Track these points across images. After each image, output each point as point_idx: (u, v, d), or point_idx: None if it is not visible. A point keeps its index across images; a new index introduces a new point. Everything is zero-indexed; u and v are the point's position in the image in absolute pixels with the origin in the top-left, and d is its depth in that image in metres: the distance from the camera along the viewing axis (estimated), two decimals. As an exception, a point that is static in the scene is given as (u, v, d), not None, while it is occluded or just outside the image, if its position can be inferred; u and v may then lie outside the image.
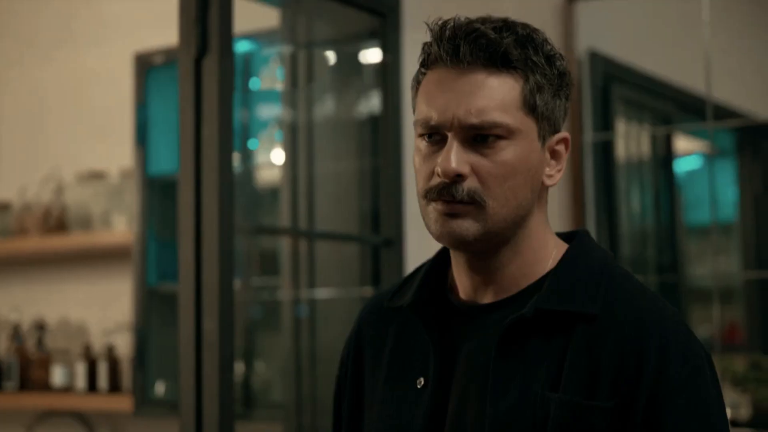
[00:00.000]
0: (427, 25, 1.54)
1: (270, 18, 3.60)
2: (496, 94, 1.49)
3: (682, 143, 4.19)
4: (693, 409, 1.46)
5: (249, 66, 3.93)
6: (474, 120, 1.49)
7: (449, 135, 1.50)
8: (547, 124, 1.54)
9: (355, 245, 3.36)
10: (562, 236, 1.63)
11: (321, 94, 3.56)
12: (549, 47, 1.55)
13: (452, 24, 1.51)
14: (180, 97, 2.58)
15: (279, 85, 3.75)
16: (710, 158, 4.45)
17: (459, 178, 1.49)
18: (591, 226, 3.37)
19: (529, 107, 1.52)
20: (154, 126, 4.19)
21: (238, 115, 3.85)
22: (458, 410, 1.54)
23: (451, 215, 1.51)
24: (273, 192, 3.89)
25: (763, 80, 4.12)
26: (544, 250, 1.59)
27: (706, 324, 4.73)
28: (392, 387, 1.63)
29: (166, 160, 4.12)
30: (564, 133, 1.58)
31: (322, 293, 3.45)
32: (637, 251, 3.89)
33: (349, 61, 3.52)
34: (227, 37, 2.58)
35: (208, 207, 2.54)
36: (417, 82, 1.57)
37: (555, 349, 1.50)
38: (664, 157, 4.02)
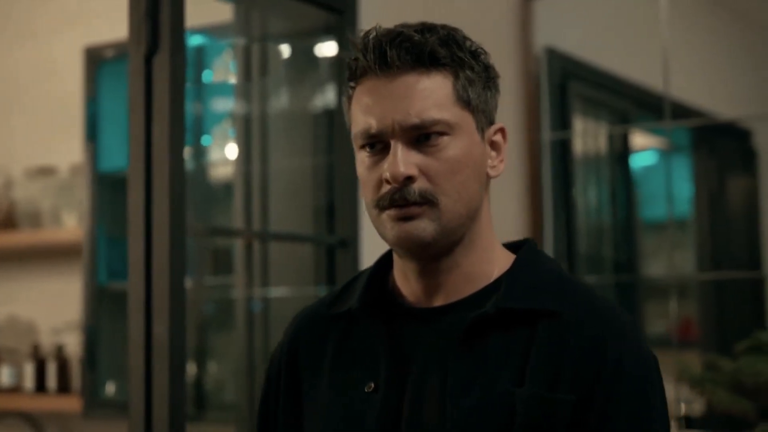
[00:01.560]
0: (351, 40, 1.57)
1: (223, 12, 3.54)
2: (430, 93, 1.52)
3: (638, 139, 4.20)
4: (640, 413, 1.50)
5: (202, 58, 3.87)
6: (414, 120, 1.51)
7: (392, 141, 1.52)
8: (483, 117, 1.58)
9: (310, 244, 3.32)
10: (507, 245, 1.66)
11: (276, 88, 3.51)
12: (470, 43, 1.58)
13: (374, 33, 1.54)
14: (129, 95, 2.52)
15: (232, 78, 3.70)
16: (666, 154, 4.46)
17: (408, 180, 1.51)
18: (548, 225, 3.35)
19: (464, 102, 1.54)
20: (106, 121, 4.12)
21: (191, 108, 3.78)
22: (414, 412, 1.54)
23: (405, 218, 1.52)
24: (227, 187, 3.83)
25: (721, 78, 4.12)
26: (492, 250, 1.62)
27: (661, 320, 4.74)
28: (338, 393, 1.61)
29: (118, 156, 4.04)
30: (499, 124, 1.61)
31: (276, 292, 3.41)
32: (594, 248, 3.88)
33: (304, 55, 3.47)
34: (179, 33, 2.51)
35: (158, 208, 2.49)
36: (348, 98, 1.59)
37: (518, 345, 1.52)
38: (621, 153, 4.02)
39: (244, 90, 3.53)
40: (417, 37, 1.52)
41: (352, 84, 1.58)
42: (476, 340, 1.53)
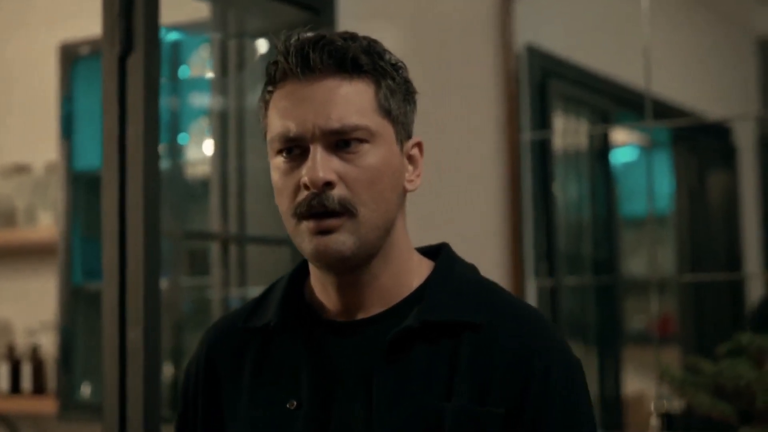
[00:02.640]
0: (274, 44, 1.54)
1: (199, 10, 3.50)
2: (352, 99, 1.50)
3: (618, 135, 4.18)
4: (570, 420, 1.51)
5: (178, 54, 3.82)
6: (335, 125, 1.48)
7: (311, 145, 1.49)
8: (402, 129, 1.55)
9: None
10: (422, 251, 1.64)
11: (252, 84, 3.48)
12: (390, 56, 1.56)
13: (297, 37, 1.52)
14: (103, 96, 2.49)
15: (209, 73, 3.65)
16: (646, 151, 4.44)
17: (327, 186, 1.48)
18: (528, 224, 3.32)
19: (385, 111, 1.52)
20: (81, 119, 4.07)
21: (167, 104, 3.73)
22: (340, 428, 1.51)
23: (324, 232, 1.49)
24: (204, 185, 3.79)
25: (702, 76, 4.10)
26: (410, 260, 1.59)
27: (641, 315, 4.73)
28: (259, 411, 1.58)
29: (93, 154, 4.00)
30: (417, 138, 1.59)
31: (253, 292, 3.37)
32: (574, 246, 3.86)
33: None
34: (153, 33, 2.48)
35: (132, 211, 2.45)
36: (265, 102, 1.56)
37: (442, 359, 1.51)
38: (601, 150, 4.00)
39: (220, 86, 3.50)
40: (340, 42, 1.50)
41: (270, 88, 1.54)
42: (400, 353, 1.51)
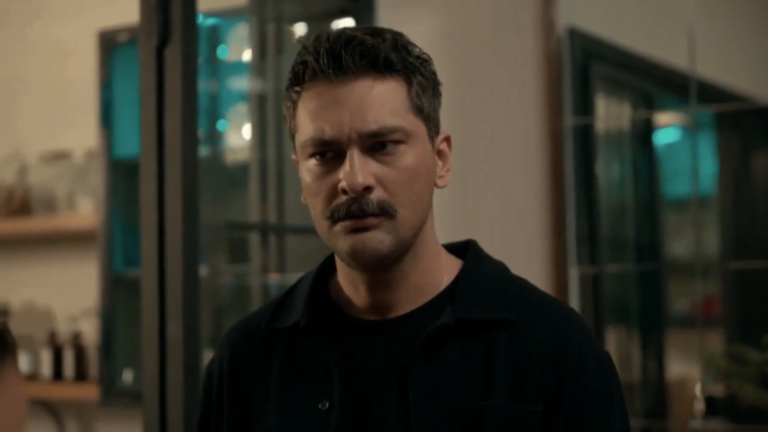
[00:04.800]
0: (299, 40, 1.51)
1: (236, -1, 3.49)
2: (386, 99, 1.47)
3: (661, 117, 4.14)
4: (604, 413, 1.50)
5: (216, 36, 3.79)
6: (373, 127, 1.45)
7: (347, 149, 1.46)
8: (433, 125, 1.53)
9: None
10: (449, 248, 1.62)
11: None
12: (417, 49, 1.53)
13: (327, 36, 1.48)
14: (141, 87, 2.47)
15: (247, 52, 3.63)
16: (689, 131, 4.39)
17: (366, 191, 1.45)
18: (570, 209, 3.28)
19: (417, 109, 1.50)
20: (120, 106, 4.06)
21: (205, 87, 3.72)
22: (375, 429, 1.49)
23: (361, 230, 1.47)
24: (243, 169, 3.78)
25: (748, 57, 4.04)
26: (439, 258, 1.57)
27: (684, 298, 4.70)
28: (288, 414, 1.55)
29: (133, 141, 3.98)
30: (446, 132, 1.57)
31: (292, 279, 3.35)
32: (617, 231, 3.82)
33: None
34: (191, 23, 2.45)
35: (171, 203, 2.44)
36: (292, 102, 1.52)
37: (477, 356, 1.50)
38: (644, 132, 3.96)
39: (259, 71, 3.48)
40: (371, 40, 1.47)
41: (297, 88, 1.50)
42: (434, 351, 1.49)
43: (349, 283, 1.56)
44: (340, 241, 1.48)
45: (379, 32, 1.50)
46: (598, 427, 1.49)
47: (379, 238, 1.46)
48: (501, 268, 1.60)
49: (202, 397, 1.66)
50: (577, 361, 1.49)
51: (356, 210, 1.45)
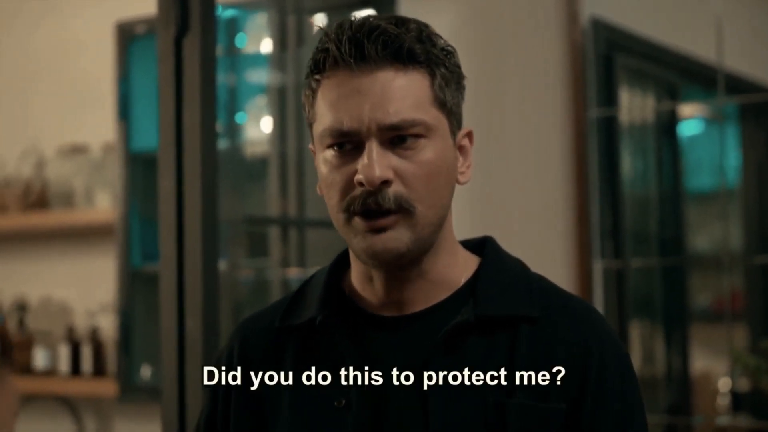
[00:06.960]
0: (321, 27, 1.47)
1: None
2: (408, 92, 1.43)
3: (685, 108, 4.10)
4: (626, 410, 1.49)
5: (235, 27, 3.76)
6: (394, 119, 1.42)
7: (366, 141, 1.43)
8: (455, 120, 1.50)
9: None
10: (465, 245, 1.59)
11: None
12: (442, 41, 1.49)
13: (350, 24, 1.44)
14: (159, 79, 2.43)
15: (267, 41, 3.59)
16: (713, 123, 4.34)
17: (384, 184, 1.42)
18: (594, 202, 3.24)
19: (440, 103, 1.46)
20: (138, 99, 4.03)
21: (224, 79, 3.68)
22: (394, 427, 1.47)
23: (378, 230, 1.43)
24: (262, 162, 3.75)
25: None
26: (456, 255, 1.55)
27: (707, 293, 4.65)
28: (303, 411, 1.51)
29: (150, 134, 3.94)
30: (467, 128, 1.54)
31: (312, 272, 3.33)
32: (640, 224, 3.78)
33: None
34: (210, 12, 2.41)
35: (190, 198, 2.39)
36: (312, 90, 1.48)
37: (499, 353, 1.47)
38: (668, 124, 3.92)
39: (279, 63, 3.44)
40: (395, 30, 1.43)
41: (317, 77, 1.46)
42: (454, 348, 1.47)
43: (365, 279, 1.53)
44: (356, 238, 1.45)
45: (404, 22, 1.46)
46: (618, 428, 1.47)
47: (398, 237, 1.43)
48: (519, 265, 1.58)
49: (208, 394, 1.62)
50: (599, 359, 1.47)
51: (372, 204, 1.42)
